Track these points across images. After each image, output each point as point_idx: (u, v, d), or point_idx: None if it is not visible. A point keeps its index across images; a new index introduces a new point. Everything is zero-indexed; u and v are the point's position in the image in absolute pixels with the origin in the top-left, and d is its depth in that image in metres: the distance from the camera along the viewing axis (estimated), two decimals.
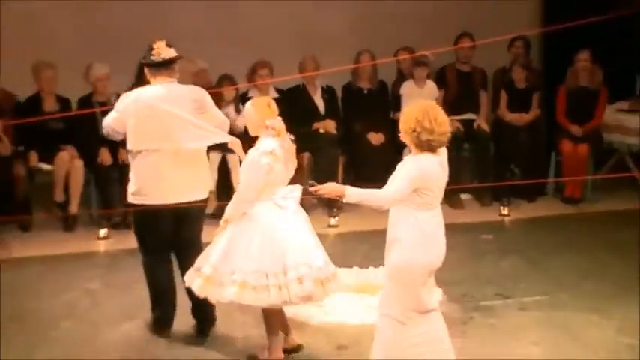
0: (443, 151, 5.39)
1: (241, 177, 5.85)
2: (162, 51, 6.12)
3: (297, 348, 6.10)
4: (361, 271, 7.51)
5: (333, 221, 8.99)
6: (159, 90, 6.11)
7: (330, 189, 5.36)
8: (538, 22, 11.05)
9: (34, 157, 9.05)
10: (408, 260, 5.29)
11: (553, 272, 7.64)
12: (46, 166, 9.05)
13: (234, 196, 5.85)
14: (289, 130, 9.18)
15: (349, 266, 7.52)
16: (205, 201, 6.45)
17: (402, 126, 5.33)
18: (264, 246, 5.67)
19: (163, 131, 6.05)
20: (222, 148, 8.83)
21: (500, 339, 6.38)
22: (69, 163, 8.90)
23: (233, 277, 5.62)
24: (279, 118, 5.90)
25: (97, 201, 9.14)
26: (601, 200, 9.90)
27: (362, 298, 6.95)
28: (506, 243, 8.54)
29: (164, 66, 6.14)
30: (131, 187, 6.23)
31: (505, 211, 9.42)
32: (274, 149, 5.76)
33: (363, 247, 8.24)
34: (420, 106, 5.37)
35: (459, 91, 10.15)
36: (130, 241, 6.68)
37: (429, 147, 5.26)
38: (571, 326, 6.56)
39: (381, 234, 8.85)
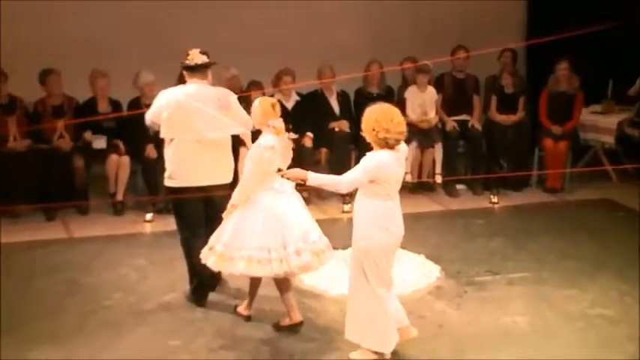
0: (402, 149, 5.42)
1: (245, 167, 5.89)
2: (196, 57, 6.24)
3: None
4: None
5: (346, 207, 8.94)
6: (190, 89, 6.23)
7: (294, 174, 5.45)
8: (523, 36, 10.98)
9: (88, 133, 9.03)
10: (368, 242, 5.36)
11: (536, 252, 7.59)
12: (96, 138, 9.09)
13: (240, 184, 5.89)
14: (309, 128, 9.22)
15: None
16: (229, 185, 6.45)
17: (363, 125, 5.36)
18: (267, 225, 5.72)
19: (188, 123, 6.16)
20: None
21: (490, 309, 6.36)
22: (117, 162, 8.90)
23: (241, 253, 5.69)
24: (281, 119, 5.89)
25: (143, 189, 9.12)
26: (578, 190, 9.81)
27: None
28: (496, 227, 8.47)
29: (196, 70, 6.25)
30: (166, 172, 6.33)
31: (495, 200, 9.34)
32: (274, 145, 5.78)
33: None
34: (379, 109, 5.40)
35: (454, 95, 10.09)
36: (171, 223, 6.70)
37: (386, 144, 5.29)
38: (551, 299, 6.54)
39: None
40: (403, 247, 7.37)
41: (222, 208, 6.38)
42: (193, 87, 6.23)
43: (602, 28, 8.95)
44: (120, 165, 8.91)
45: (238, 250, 5.71)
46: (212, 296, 6.45)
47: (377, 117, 5.31)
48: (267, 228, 5.72)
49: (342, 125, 9.61)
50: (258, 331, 5.95)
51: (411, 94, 9.81)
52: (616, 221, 8.55)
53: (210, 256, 5.85)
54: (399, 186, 5.43)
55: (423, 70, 9.69)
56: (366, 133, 5.34)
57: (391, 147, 5.30)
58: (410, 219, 8.53)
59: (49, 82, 8.95)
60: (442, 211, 9.16)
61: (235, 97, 6.44)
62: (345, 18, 10.45)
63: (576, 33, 8.54)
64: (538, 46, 9.79)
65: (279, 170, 5.66)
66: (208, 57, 6.30)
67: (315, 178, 5.39)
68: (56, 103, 9.02)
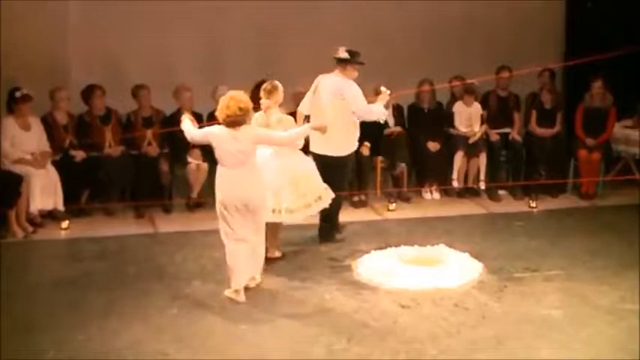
0: (245, 130, 5.97)
1: None
2: (339, 52, 7.16)
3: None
4: (420, 248, 7.43)
5: (391, 207, 8.95)
6: (324, 77, 7.25)
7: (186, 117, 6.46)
8: (561, 57, 10.84)
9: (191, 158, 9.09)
10: (216, 198, 6.12)
11: (570, 252, 7.46)
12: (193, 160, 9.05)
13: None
14: (367, 139, 9.14)
15: (411, 245, 7.47)
16: (348, 156, 7.50)
17: None
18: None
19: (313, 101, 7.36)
20: None
21: (528, 303, 6.28)
22: (197, 168, 8.90)
23: None
24: (266, 101, 6.72)
25: None
26: (609, 196, 9.64)
27: (421, 269, 6.88)
28: (534, 229, 8.34)
29: (337, 62, 7.23)
30: None
31: (533, 204, 9.21)
32: (257, 118, 6.66)
33: (421, 229, 8.18)
34: (228, 95, 6.01)
35: (498, 111, 9.98)
36: None
37: (218, 120, 5.96)
38: (584, 294, 6.43)
39: (434, 220, 8.82)
40: (450, 245, 7.42)
41: (340, 176, 7.41)
42: (327, 76, 7.20)
43: (633, 50, 8.85)
44: (199, 170, 8.97)
45: None
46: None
47: (221, 100, 5.92)
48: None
49: (398, 130, 9.55)
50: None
51: (459, 108, 9.78)
52: None
53: None
54: (232, 158, 5.98)
55: (470, 90, 9.68)
56: None
57: (227, 125, 5.90)
58: (456, 220, 8.65)
59: (140, 96, 9.11)
60: (485, 213, 9.07)
61: (352, 87, 7.18)
62: (400, 39, 10.40)
63: (608, 56, 8.45)
64: (574, 67, 9.78)
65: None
66: (353, 55, 7.14)
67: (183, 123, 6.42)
68: (146, 115, 9.16)
